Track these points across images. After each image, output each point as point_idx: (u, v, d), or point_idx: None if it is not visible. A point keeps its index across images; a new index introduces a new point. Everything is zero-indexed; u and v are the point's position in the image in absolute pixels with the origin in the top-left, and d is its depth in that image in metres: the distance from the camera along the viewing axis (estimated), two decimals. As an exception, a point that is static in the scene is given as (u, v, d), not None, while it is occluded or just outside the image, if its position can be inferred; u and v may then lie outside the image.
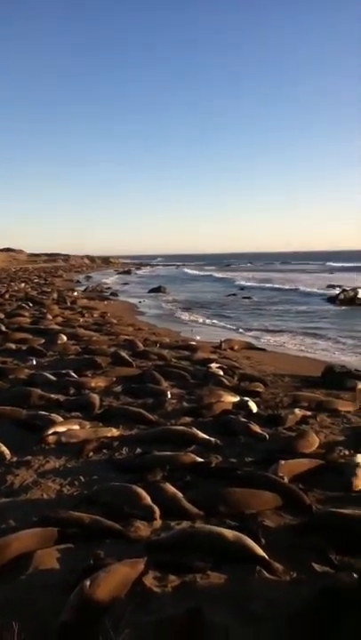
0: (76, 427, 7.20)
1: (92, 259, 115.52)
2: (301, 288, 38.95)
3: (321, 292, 34.87)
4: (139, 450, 6.56)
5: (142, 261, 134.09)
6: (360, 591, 3.29)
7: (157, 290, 38.17)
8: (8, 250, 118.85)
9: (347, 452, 6.49)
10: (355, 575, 3.77)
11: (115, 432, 7.12)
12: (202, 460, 6.14)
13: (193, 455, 6.22)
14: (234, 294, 36.07)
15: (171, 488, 5.30)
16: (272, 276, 58.96)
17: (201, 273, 67.38)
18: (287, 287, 40.52)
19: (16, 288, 36.73)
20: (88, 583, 3.60)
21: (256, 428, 7.18)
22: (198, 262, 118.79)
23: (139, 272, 76.61)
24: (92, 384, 9.60)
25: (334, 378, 10.42)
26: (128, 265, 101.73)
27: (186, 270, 72.25)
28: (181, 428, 7.23)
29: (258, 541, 4.40)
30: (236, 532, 4.42)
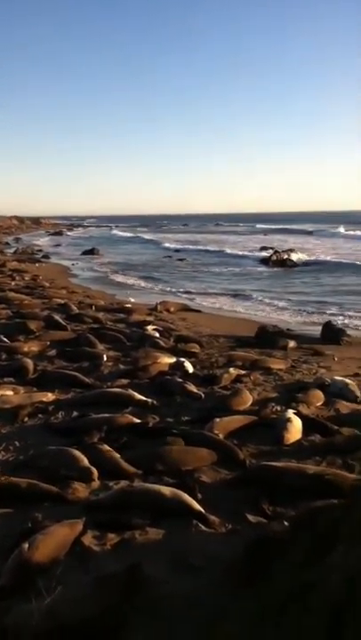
0: (10, 392, 7.07)
1: (20, 219, 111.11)
2: (235, 251, 39.31)
3: (255, 254, 35.29)
4: (75, 413, 6.53)
5: (74, 222, 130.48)
6: (290, 538, 3.46)
7: (91, 252, 37.42)
8: None
9: (279, 408, 6.72)
10: (286, 524, 3.96)
11: (50, 396, 7.04)
12: (139, 420, 6.20)
13: (130, 416, 6.26)
14: (169, 256, 35.96)
15: (108, 449, 5.33)
16: (207, 238, 59.11)
17: (134, 235, 66.42)
18: (221, 249, 40.74)
19: None
20: (26, 546, 3.59)
21: (192, 388, 7.30)
22: (133, 223, 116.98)
23: (70, 233, 74.65)
24: (25, 349, 9.38)
25: (267, 337, 10.73)
26: (59, 226, 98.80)
27: (119, 233, 70.95)
28: (118, 390, 7.24)
29: (194, 496, 4.53)
30: (174, 489, 4.53)
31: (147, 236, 61.70)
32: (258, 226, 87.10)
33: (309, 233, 63.22)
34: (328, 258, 31.55)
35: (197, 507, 4.37)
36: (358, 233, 56.43)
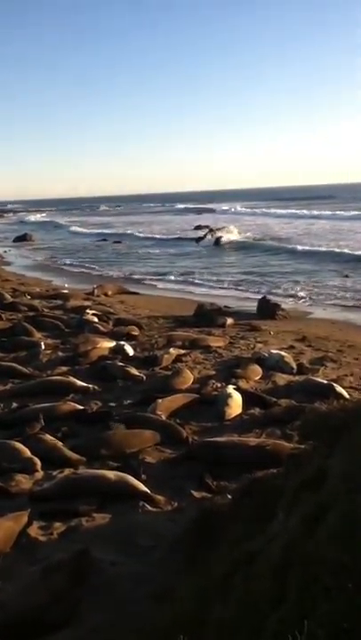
0: None
1: None
2: (170, 231, 39.11)
3: (189, 235, 34.96)
4: (15, 405, 6.40)
5: (6, 208, 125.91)
6: (232, 511, 3.56)
7: (23, 238, 36.24)
8: None
9: (219, 385, 6.85)
10: (229, 497, 4.07)
11: (-13, 389, 6.85)
12: (80, 407, 6.15)
13: (72, 404, 6.21)
14: (104, 239, 35.40)
15: (50, 438, 5.29)
16: (140, 219, 58.56)
17: (66, 220, 64.78)
18: (158, 231, 40.36)
19: None
20: (-31, 542, 3.52)
21: (133, 371, 7.31)
22: (61, 207, 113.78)
23: (2, 219, 72.06)
24: None
25: (206, 316, 10.86)
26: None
27: (54, 219, 69.01)
28: (58, 377, 7.16)
29: (139, 478, 4.58)
30: (118, 472, 4.57)
31: (84, 219, 60.54)
32: (177, 206, 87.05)
33: (213, 211, 64.53)
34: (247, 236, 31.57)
35: (143, 488, 4.42)
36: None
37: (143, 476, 4.65)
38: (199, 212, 64.82)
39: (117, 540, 3.88)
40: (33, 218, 70.27)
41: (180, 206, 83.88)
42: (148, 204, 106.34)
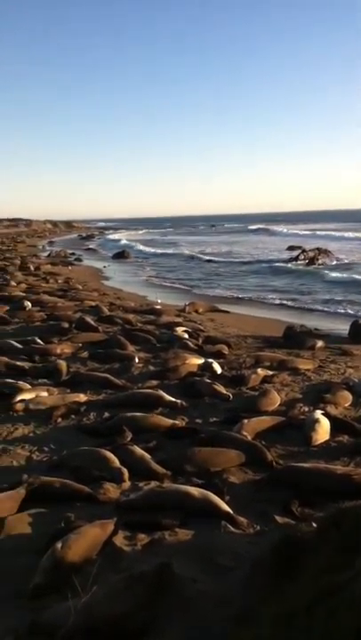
0: (44, 393, 7.25)
1: (54, 223, 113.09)
2: (262, 252, 39.00)
3: (283, 256, 34.65)
4: (106, 414, 6.67)
5: (106, 225, 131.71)
6: (318, 539, 3.49)
7: (121, 255, 37.73)
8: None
9: (306, 409, 6.74)
10: (314, 525, 3.99)
11: (82, 397, 7.20)
12: (169, 421, 6.29)
13: (160, 417, 6.37)
14: (198, 258, 35.95)
15: (138, 450, 5.45)
16: (231, 239, 59.03)
17: (164, 237, 66.65)
18: (248, 252, 40.36)
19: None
20: (59, 546, 3.71)
21: (220, 389, 7.37)
22: (163, 225, 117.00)
23: (102, 237, 75.29)
24: (58, 350, 9.60)
25: (295, 337, 10.70)
26: (91, 229, 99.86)
27: (149, 237, 71.12)
28: (148, 391, 7.36)
29: (223, 497, 4.60)
30: (202, 490, 4.61)
31: (172, 238, 61.97)
32: (250, 227, 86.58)
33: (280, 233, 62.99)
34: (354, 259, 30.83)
35: (226, 508, 4.44)
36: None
37: (227, 497, 4.67)
38: (270, 233, 64.61)
39: (198, 557, 3.91)
40: (131, 235, 72.85)
41: (253, 227, 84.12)
42: (231, 224, 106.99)
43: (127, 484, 4.97)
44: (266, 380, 7.98)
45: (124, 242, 55.51)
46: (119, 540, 4.09)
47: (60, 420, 6.56)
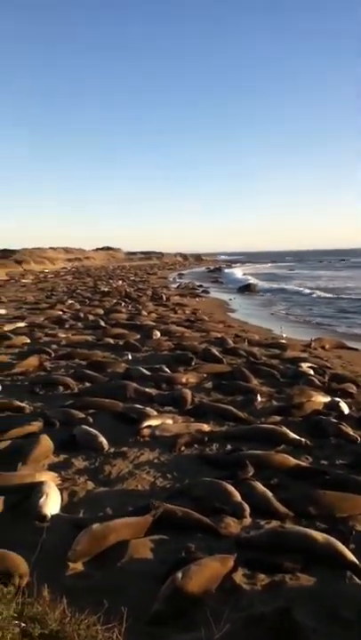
0: (170, 421, 7.43)
1: (184, 256, 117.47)
2: None
3: None
4: (229, 446, 6.67)
5: (232, 258, 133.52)
6: None
7: (247, 288, 37.96)
8: (107, 249, 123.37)
9: None
10: None
11: (206, 427, 7.27)
12: (293, 460, 6.13)
13: (285, 455, 6.22)
14: (325, 292, 35.03)
15: (261, 487, 5.36)
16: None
17: (290, 272, 65.92)
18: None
19: (114, 285, 37.98)
20: (180, 575, 3.75)
21: (348, 430, 7.05)
22: (287, 259, 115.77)
23: (230, 270, 76.38)
24: (184, 379, 9.81)
25: None
26: (219, 262, 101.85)
27: (275, 270, 70.81)
28: (271, 426, 7.24)
29: (348, 545, 4.37)
30: (327, 535, 4.41)
31: (298, 272, 60.96)
32: None
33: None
34: None
35: (351, 557, 4.20)
36: None
37: (352, 545, 4.43)
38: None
39: (320, 606, 3.73)
40: (257, 269, 73.08)
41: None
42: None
43: (248, 520, 4.90)
44: None
45: (249, 275, 55.79)
46: (238, 577, 4.04)
47: (183, 448, 6.68)
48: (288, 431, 6.95)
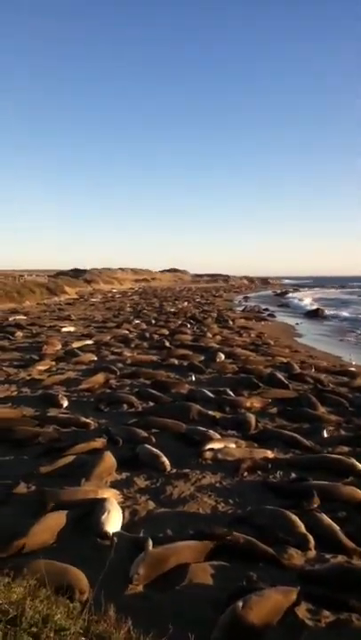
0: (233, 445, 7.32)
1: (250, 279, 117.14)
2: None
3: None
4: (293, 475, 6.47)
5: (299, 282, 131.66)
6: None
7: (315, 312, 37.21)
8: (174, 270, 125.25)
9: None
10: None
11: (269, 454, 7.10)
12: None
13: (353, 488, 5.95)
14: None
15: (327, 519, 5.15)
16: None
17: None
18: None
19: (180, 306, 38.36)
20: (241, 604, 3.63)
21: None
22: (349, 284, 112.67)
23: (297, 294, 75.31)
24: (248, 404, 9.66)
25: None
26: (286, 286, 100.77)
27: (344, 296, 69.06)
28: (339, 457, 6.97)
29: None
30: None
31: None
32: None
33: None
34: None
35: None
36: None
37: None
38: None
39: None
40: (325, 294, 71.55)
41: None
42: None
43: (313, 553, 4.71)
44: None
45: (317, 299, 54.69)
46: (301, 611, 3.87)
47: (246, 473, 6.54)
48: (357, 462, 6.66)
